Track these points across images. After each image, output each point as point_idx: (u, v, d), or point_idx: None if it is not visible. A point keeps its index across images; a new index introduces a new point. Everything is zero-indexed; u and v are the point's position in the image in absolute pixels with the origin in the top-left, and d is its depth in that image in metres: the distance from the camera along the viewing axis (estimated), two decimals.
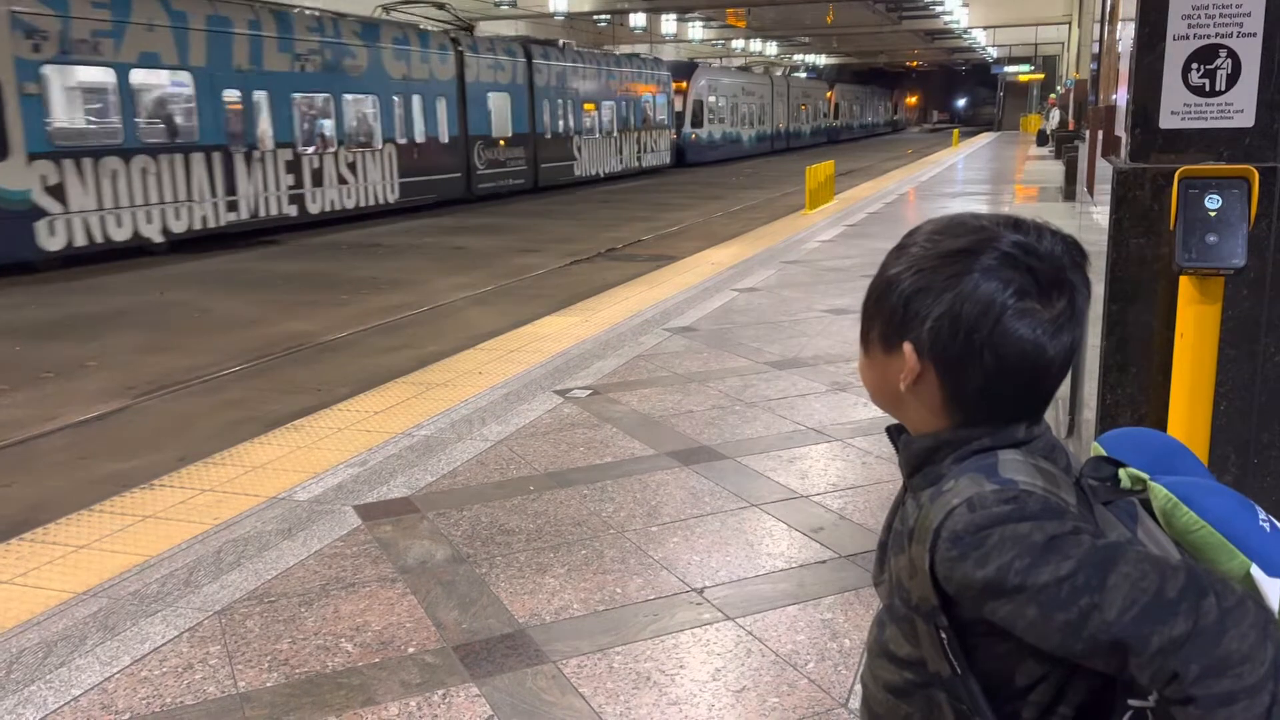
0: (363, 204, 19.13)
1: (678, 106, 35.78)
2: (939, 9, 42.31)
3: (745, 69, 50.05)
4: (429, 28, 23.06)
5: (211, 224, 15.63)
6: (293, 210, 17.39)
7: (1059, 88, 42.77)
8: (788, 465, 4.61)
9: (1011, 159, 30.48)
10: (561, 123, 27.18)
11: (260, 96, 16.80)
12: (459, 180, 22.27)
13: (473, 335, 8.16)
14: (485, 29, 31.64)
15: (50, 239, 13.13)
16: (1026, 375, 1.04)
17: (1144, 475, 1.09)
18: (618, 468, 4.60)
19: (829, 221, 14.75)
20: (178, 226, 15.03)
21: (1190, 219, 2.62)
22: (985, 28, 46.70)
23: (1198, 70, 2.73)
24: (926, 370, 1.05)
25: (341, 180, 18.62)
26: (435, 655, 3.01)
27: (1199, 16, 2.71)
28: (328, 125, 18.52)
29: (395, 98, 20.21)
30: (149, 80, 14.98)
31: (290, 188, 17.36)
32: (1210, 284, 2.69)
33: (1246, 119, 2.73)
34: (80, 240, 13.53)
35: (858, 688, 2.79)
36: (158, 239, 14.69)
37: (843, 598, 3.33)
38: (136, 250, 14.25)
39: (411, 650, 3.04)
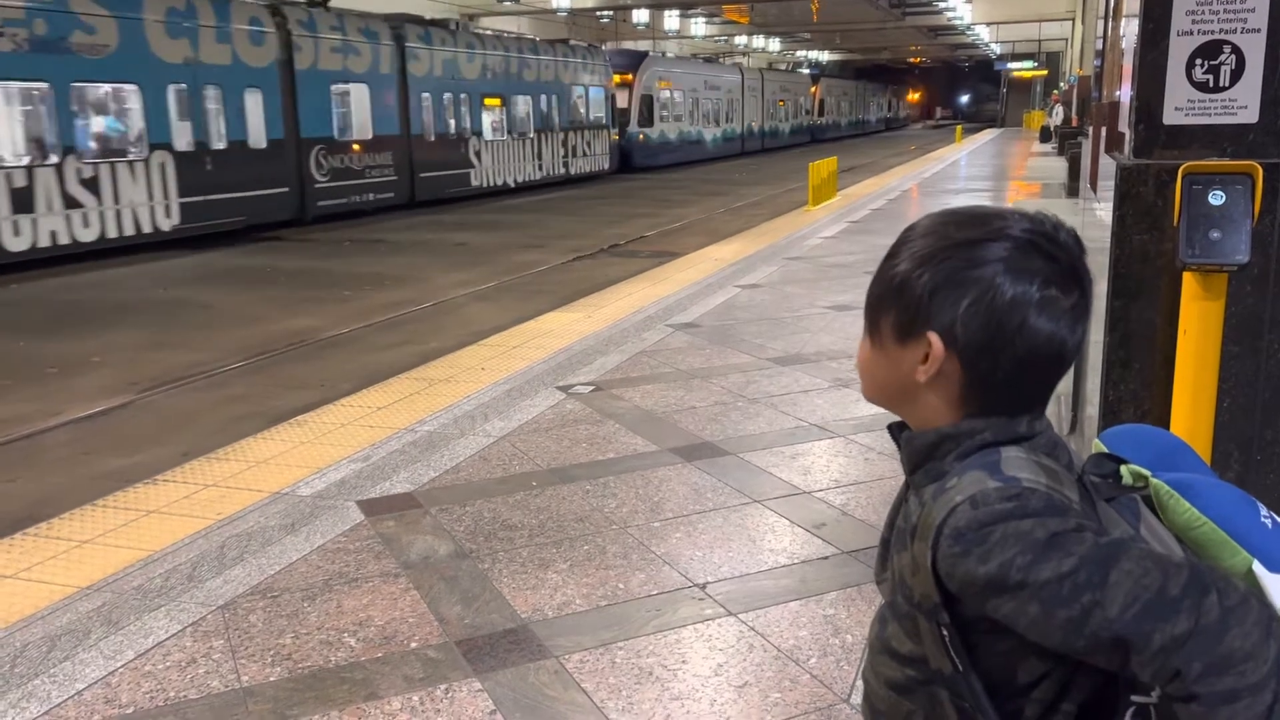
0: (113, 234, 13.96)
1: (622, 102, 31.00)
2: (942, 5, 42.19)
3: (711, 60, 44.98)
4: None
5: None
6: None
7: (1062, 84, 42.71)
8: (790, 461, 4.61)
9: (1015, 155, 30.45)
10: (451, 122, 22.16)
11: None
12: (286, 197, 17.14)
13: (475, 331, 8.16)
14: (487, 25, 31.42)
15: None
16: (1049, 364, 1.04)
17: (1146, 472, 1.09)
18: (620, 464, 4.60)
19: (832, 218, 14.73)
20: None
21: (1194, 215, 2.62)
22: (988, 24, 46.58)
23: (1202, 66, 2.73)
24: (949, 360, 1.04)
25: (72, 204, 13.33)
26: (438, 650, 3.01)
27: (1203, 12, 2.70)
28: (47, 126, 13.18)
29: (172, 89, 14.88)
30: None
31: None
32: (1213, 280, 2.69)
33: (1250, 115, 2.73)
34: None
35: (860, 683, 2.79)
36: None
37: (845, 594, 3.33)
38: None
39: (414, 645, 3.05)
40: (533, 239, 15.31)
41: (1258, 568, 1.01)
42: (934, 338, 1.04)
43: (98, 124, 14.22)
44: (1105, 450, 1.14)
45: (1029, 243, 1.03)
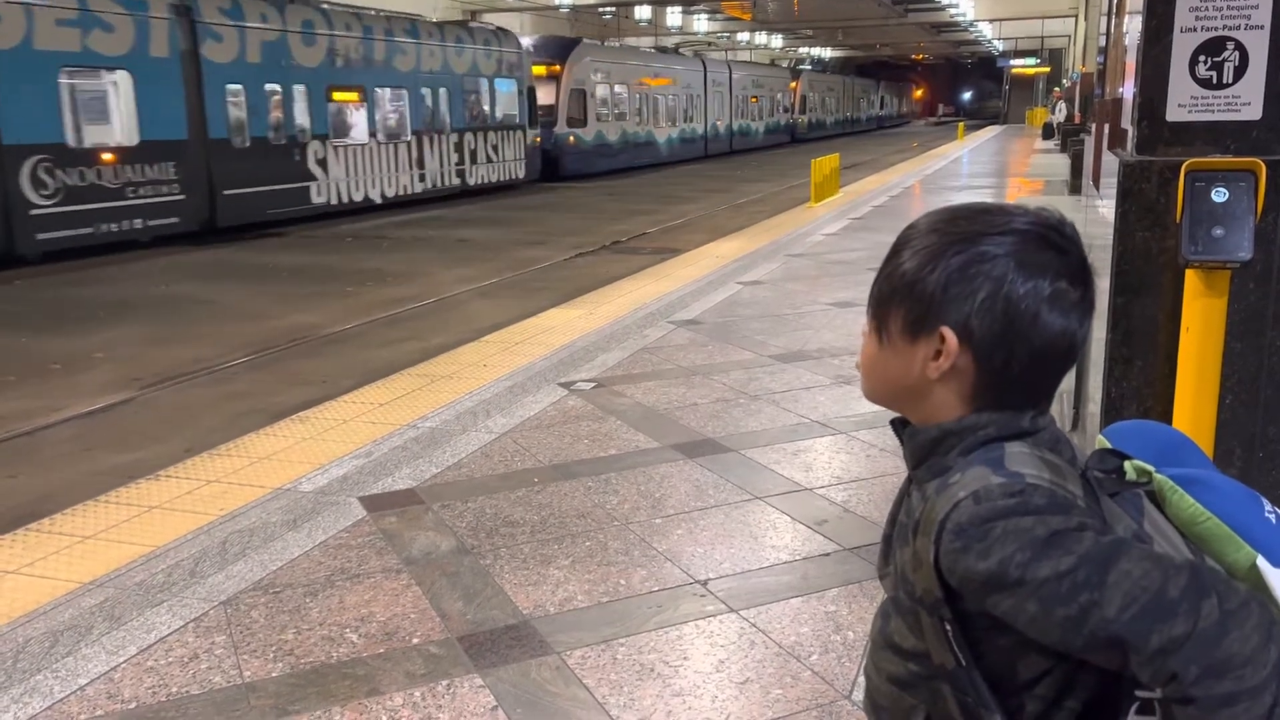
0: None
1: (546, 98, 25.82)
2: (945, 1, 42.09)
3: (667, 50, 39.75)
4: None
5: None
6: None
7: (1065, 81, 42.66)
8: (792, 458, 4.61)
9: (1017, 152, 30.41)
10: (279, 122, 16.96)
11: None
12: None
13: (477, 328, 8.16)
14: (489, 21, 31.15)
15: None
16: (1060, 358, 1.04)
17: (1149, 467, 1.09)
18: (622, 460, 4.60)
19: (834, 215, 14.72)
20: None
21: (1197, 212, 2.61)
22: (991, 20, 46.54)
23: (1205, 63, 2.72)
24: (962, 355, 1.04)
25: None
26: (440, 646, 3.02)
27: (1206, 9, 2.70)
28: None
29: None
30: None
31: None
32: (1216, 277, 2.68)
33: (1254, 111, 2.72)
34: None
35: (861, 679, 2.79)
36: None
37: (846, 590, 3.33)
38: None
39: (416, 641, 3.05)
40: (534, 235, 15.30)
41: (1261, 563, 1.01)
42: (948, 333, 1.03)
43: None
44: (1109, 446, 1.14)
45: (1039, 236, 1.03)
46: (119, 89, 14.13)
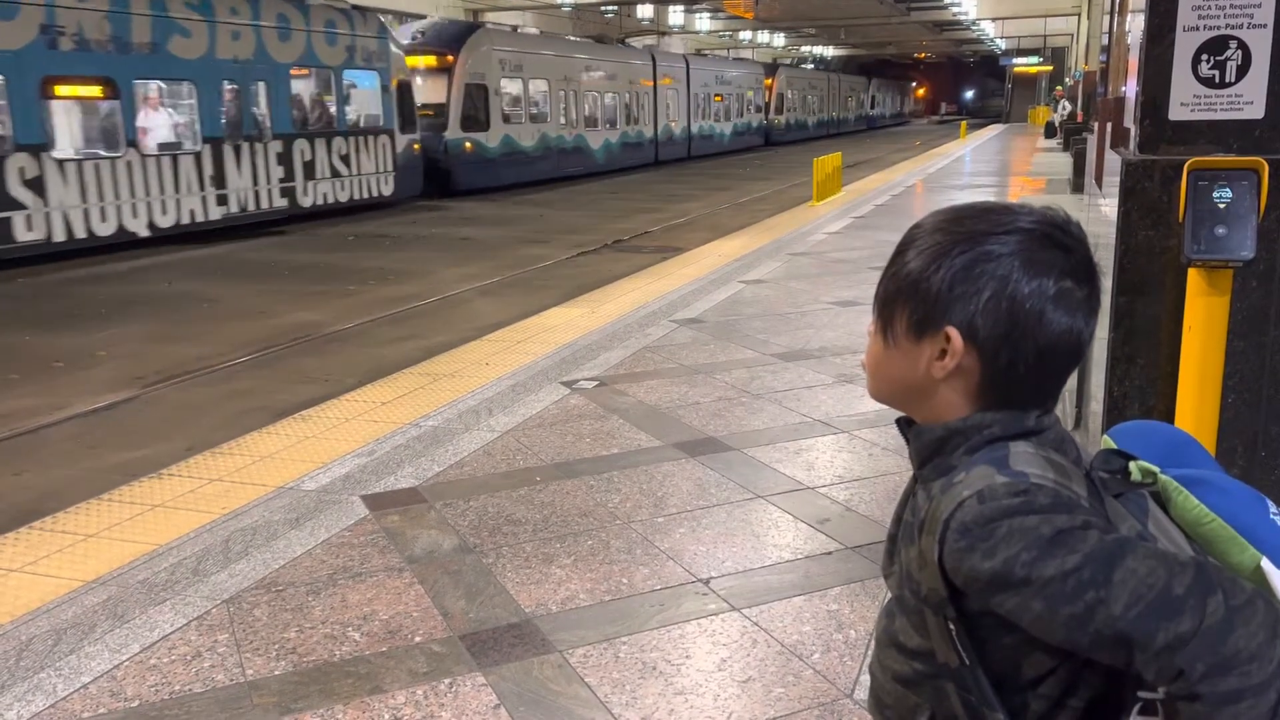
0: None
1: (433, 95, 21.37)
2: (948, 0, 42.04)
3: (606, 39, 33.44)
4: None
5: None
6: None
7: (1068, 79, 42.61)
8: (794, 457, 4.61)
9: (1019, 151, 30.39)
10: None
11: None
12: None
13: (480, 326, 8.17)
14: (493, 20, 31.11)
15: None
16: (1066, 357, 1.04)
17: (1154, 468, 1.09)
18: (624, 459, 4.60)
19: (836, 213, 14.72)
20: None
21: (1199, 211, 2.61)
22: (994, 19, 46.53)
23: (1207, 61, 2.72)
24: (968, 355, 1.04)
25: None
26: (442, 644, 3.02)
27: (1209, 7, 2.70)
28: None
29: None
30: None
31: None
32: (1219, 276, 2.69)
33: (1257, 110, 2.72)
34: None
35: (863, 678, 2.80)
36: None
37: (848, 589, 3.34)
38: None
39: (418, 639, 3.06)
40: (537, 234, 15.30)
41: (1266, 564, 1.01)
42: (953, 332, 1.03)
43: None
44: (1114, 446, 1.14)
45: (1044, 235, 1.03)
46: None
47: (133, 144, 13.92)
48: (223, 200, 15.39)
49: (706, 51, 45.42)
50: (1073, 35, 41.85)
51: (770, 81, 44.90)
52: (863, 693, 2.71)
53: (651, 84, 32.15)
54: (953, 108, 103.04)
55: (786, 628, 3.09)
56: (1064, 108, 34.55)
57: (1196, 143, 2.77)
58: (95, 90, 13.61)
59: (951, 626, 1.03)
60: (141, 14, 13.89)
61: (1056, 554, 0.94)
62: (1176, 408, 2.78)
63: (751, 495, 4.15)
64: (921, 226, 1.09)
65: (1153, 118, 2.80)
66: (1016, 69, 62.17)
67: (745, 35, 51.88)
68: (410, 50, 20.90)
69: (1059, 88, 47.23)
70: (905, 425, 1.14)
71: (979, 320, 1.02)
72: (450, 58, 21.76)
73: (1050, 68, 56.53)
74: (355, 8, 19.50)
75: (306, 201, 17.05)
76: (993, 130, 48.28)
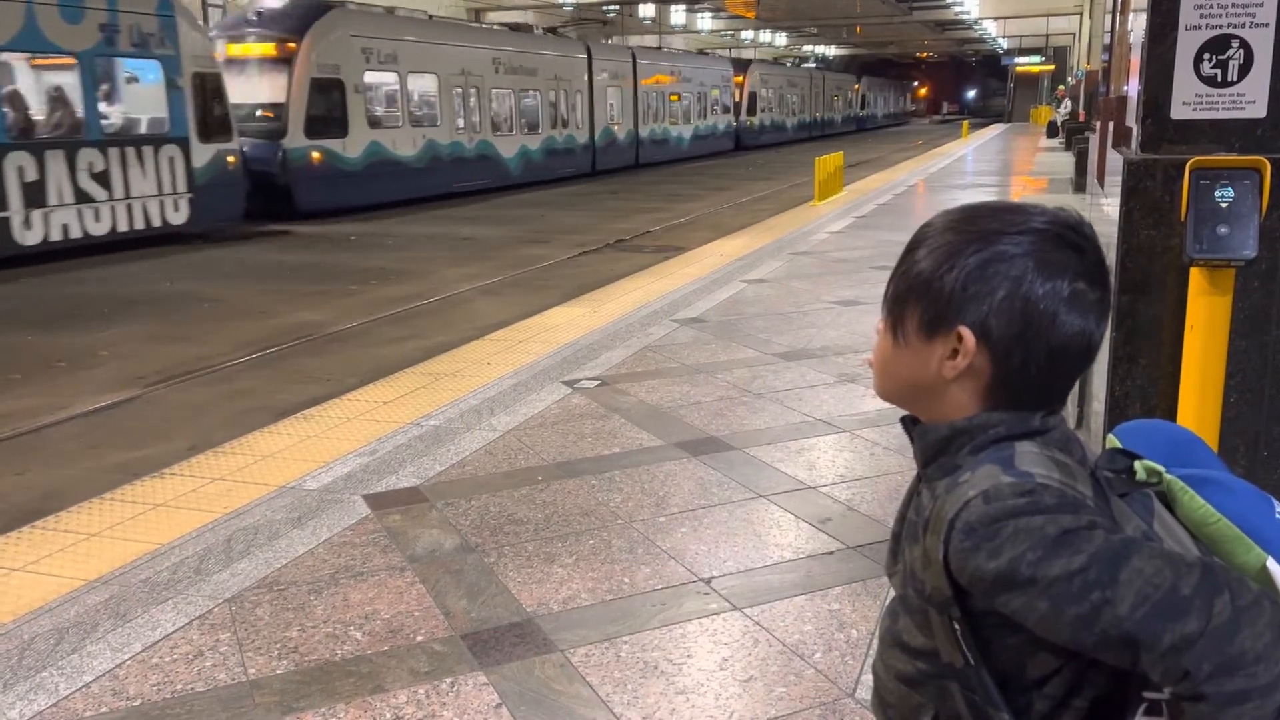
0: None
1: (268, 93, 17.05)
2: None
3: (522, 27, 27.06)
4: None
5: None
6: None
7: (1069, 79, 42.60)
8: (796, 456, 4.61)
9: (1021, 150, 30.38)
10: None
11: None
12: None
13: (481, 326, 8.17)
14: (494, 20, 31.05)
15: None
16: (1077, 358, 1.04)
17: (1159, 468, 1.09)
18: (625, 458, 4.60)
19: (838, 213, 14.71)
20: None
21: (1201, 210, 2.61)
22: (996, 18, 46.55)
23: (1210, 60, 2.72)
24: (980, 355, 1.03)
25: None
26: (444, 644, 3.02)
27: (1211, 6, 2.70)
28: None
29: None
30: None
31: None
32: (1221, 275, 2.68)
33: (1259, 109, 2.72)
34: None
35: (865, 678, 2.80)
36: None
37: (850, 588, 3.33)
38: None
39: (420, 638, 3.06)
40: (538, 234, 15.30)
41: (1272, 565, 1.01)
42: (966, 332, 1.03)
43: None
44: (1119, 445, 1.13)
45: (1057, 235, 1.03)
46: None
47: None
48: None
49: (708, 51, 45.32)
50: (1075, 34, 41.84)
51: (741, 79, 40.23)
52: (865, 692, 2.71)
53: (587, 80, 27.67)
54: (954, 107, 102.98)
55: (788, 627, 3.09)
56: (1065, 107, 34.52)
57: (1198, 142, 2.76)
58: None
59: (956, 626, 1.03)
60: None
61: (1062, 554, 0.94)
62: (1178, 407, 2.78)
63: (753, 495, 4.15)
64: (932, 225, 1.09)
65: (1155, 117, 2.80)
66: (1018, 68, 62.19)
67: (747, 35, 51.84)
68: (236, 36, 17.25)
69: (1061, 87, 47.20)
70: (910, 424, 1.14)
71: (992, 320, 1.02)
72: (291, 45, 17.18)
73: (1052, 67, 56.52)
74: None
75: (31, 238, 12.22)
76: (995, 130, 48.25)
